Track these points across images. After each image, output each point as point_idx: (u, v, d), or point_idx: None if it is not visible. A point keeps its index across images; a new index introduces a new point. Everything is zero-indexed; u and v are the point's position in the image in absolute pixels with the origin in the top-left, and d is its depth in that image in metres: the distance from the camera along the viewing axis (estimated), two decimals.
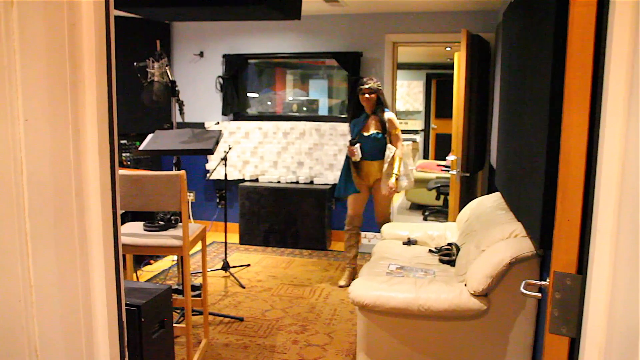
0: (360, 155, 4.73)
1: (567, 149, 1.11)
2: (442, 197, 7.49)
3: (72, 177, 1.10)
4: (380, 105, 4.77)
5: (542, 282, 1.30)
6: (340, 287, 4.84)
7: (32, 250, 1.04)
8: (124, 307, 1.33)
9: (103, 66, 1.13)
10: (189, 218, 2.99)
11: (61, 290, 1.12)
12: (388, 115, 4.79)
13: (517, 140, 2.95)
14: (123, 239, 2.68)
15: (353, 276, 4.90)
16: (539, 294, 1.61)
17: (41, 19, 0.96)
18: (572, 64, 1.07)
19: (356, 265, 5.04)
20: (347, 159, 4.86)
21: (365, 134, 4.79)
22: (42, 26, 0.97)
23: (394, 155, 4.73)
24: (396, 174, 4.70)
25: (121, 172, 3.00)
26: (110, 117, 1.18)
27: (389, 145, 4.75)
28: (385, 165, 4.72)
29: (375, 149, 4.78)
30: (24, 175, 0.99)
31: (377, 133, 4.75)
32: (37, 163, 1.02)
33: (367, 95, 4.72)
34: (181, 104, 3.96)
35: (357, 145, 4.73)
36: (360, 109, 4.83)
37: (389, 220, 4.96)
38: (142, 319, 2.30)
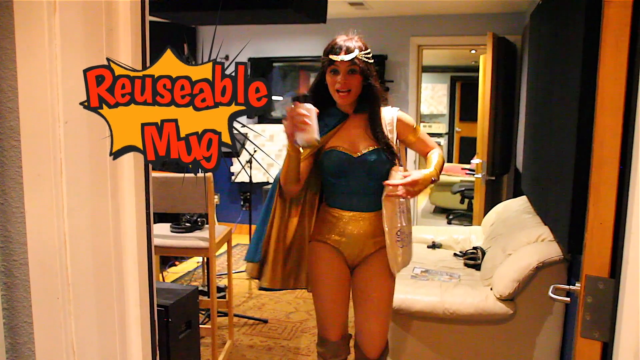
0: (316, 137, 1.86)
1: (600, 151, 1.10)
2: (466, 200, 7.43)
3: (108, 178, 1.13)
4: (371, 97, 2.18)
5: (572, 287, 1.29)
6: None
7: (69, 249, 1.07)
8: (155, 307, 1.36)
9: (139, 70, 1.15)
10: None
11: (97, 289, 1.15)
12: (391, 112, 2.25)
13: (545, 143, 2.92)
14: None
15: None
16: (568, 299, 1.59)
17: (81, 25, 0.99)
18: (606, 66, 1.06)
19: None
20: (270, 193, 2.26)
21: (349, 152, 2.18)
22: (82, 31, 1.00)
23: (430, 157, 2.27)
24: (433, 174, 2.17)
25: None
26: None
27: (395, 168, 2.15)
28: (394, 213, 2.17)
29: (369, 187, 2.19)
30: (63, 176, 1.02)
31: (373, 151, 2.17)
32: (75, 164, 1.05)
33: (340, 78, 2.08)
34: None
35: (309, 105, 1.85)
36: (326, 101, 2.17)
37: (387, 351, 2.35)
38: (170, 319, 2.33)
